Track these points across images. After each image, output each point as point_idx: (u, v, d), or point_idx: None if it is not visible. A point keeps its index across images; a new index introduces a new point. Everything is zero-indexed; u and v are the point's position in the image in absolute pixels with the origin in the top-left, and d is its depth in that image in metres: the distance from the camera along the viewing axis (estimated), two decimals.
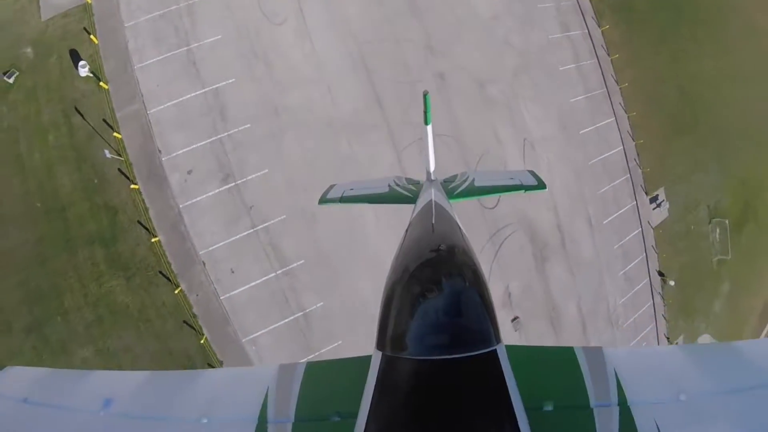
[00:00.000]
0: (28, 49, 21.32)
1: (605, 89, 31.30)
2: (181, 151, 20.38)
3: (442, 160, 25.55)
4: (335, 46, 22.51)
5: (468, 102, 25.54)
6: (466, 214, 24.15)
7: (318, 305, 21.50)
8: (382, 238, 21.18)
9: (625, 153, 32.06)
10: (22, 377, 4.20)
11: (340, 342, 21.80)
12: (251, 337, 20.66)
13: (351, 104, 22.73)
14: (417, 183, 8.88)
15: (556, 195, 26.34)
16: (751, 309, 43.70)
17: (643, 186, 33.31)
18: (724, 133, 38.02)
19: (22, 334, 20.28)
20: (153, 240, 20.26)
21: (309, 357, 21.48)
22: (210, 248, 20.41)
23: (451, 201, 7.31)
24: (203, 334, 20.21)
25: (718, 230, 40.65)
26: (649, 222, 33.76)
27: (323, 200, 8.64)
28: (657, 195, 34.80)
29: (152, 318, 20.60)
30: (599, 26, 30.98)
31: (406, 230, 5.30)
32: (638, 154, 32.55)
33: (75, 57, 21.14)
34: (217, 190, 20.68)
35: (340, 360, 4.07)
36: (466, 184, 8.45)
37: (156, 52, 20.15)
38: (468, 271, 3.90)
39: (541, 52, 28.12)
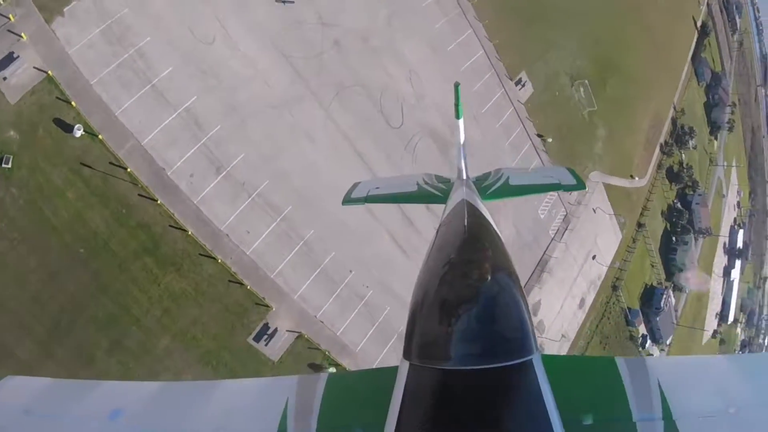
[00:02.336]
0: (11, 133, 22.29)
1: (460, 9, 38.84)
2: (179, 163, 25.56)
3: (357, 104, 35.02)
4: (257, 46, 28.41)
5: (360, 55, 32.62)
6: (378, 135, 31.54)
7: (311, 233, 29.23)
8: (334, 172, 28.63)
9: (486, 54, 40.35)
10: (23, 388, 3.98)
11: (334, 253, 29.85)
12: (277, 271, 28.21)
13: (281, 86, 29.38)
14: (447, 181, 8.51)
15: (441, 102, 34.36)
16: (634, 144, 54.61)
17: (507, 75, 42.03)
18: (566, 9, 46.32)
19: (105, 357, 22.90)
20: (188, 234, 25.44)
21: (317, 271, 29.22)
22: (227, 222, 26.84)
23: (485, 201, 7.02)
24: (246, 284, 27.13)
25: (581, 89, 51.18)
26: (519, 100, 42.92)
27: (347, 200, 8.35)
28: (520, 78, 43.67)
29: (205, 289, 25.92)
30: None
31: (437, 231, 5.01)
32: (497, 52, 40.88)
33: (60, 123, 23.03)
34: (215, 181, 26.65)
35: (362, 371, 4.09)
36: (500, 182, 8.07)
37: (127, 96, 24.52)
38: (503, 276, 3.65)
39: None
